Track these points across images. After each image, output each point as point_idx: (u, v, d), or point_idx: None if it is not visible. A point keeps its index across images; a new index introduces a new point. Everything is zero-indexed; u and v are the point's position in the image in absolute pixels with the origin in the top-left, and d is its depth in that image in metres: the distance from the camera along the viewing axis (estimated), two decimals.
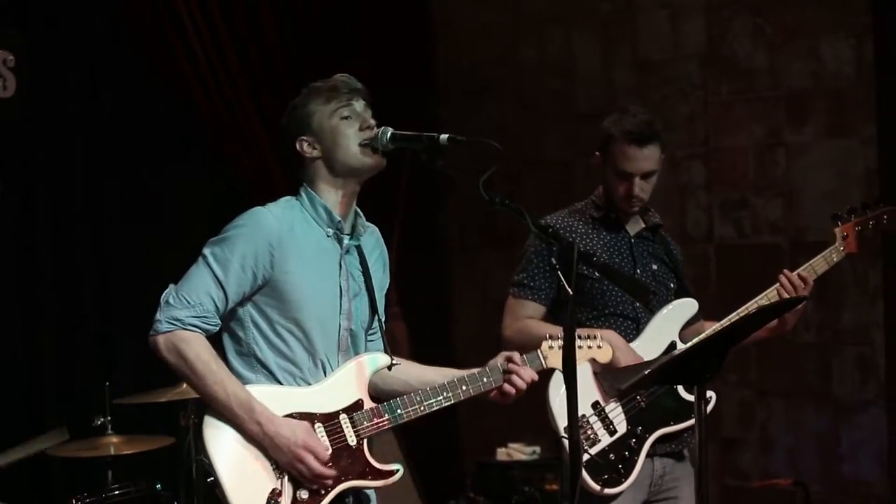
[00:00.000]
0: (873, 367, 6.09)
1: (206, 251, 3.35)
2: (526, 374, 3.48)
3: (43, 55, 5.49)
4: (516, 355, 3.51)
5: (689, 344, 4.03)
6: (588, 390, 3.99)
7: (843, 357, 6.18)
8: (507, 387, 3.48)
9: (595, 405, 4.02)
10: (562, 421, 3.93)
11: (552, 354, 3.54)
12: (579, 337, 3.54)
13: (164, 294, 3.32)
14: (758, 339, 4.10)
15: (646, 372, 3.55)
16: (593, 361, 3.94)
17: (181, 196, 5.96)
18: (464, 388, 3.45)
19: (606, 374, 3.97)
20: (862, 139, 6.09)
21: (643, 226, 4.27)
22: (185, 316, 3.28)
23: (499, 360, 3.51)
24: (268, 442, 3.29)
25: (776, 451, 6.33)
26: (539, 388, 4.00)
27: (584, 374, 3.96)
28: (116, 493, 4.67)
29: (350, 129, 3.42)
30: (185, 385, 4.77)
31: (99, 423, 4.79)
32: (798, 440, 6.28)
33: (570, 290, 3.15)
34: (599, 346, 3.65)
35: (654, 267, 4.24)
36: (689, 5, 6.53)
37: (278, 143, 5.90)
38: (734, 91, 6.43)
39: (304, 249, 3.38)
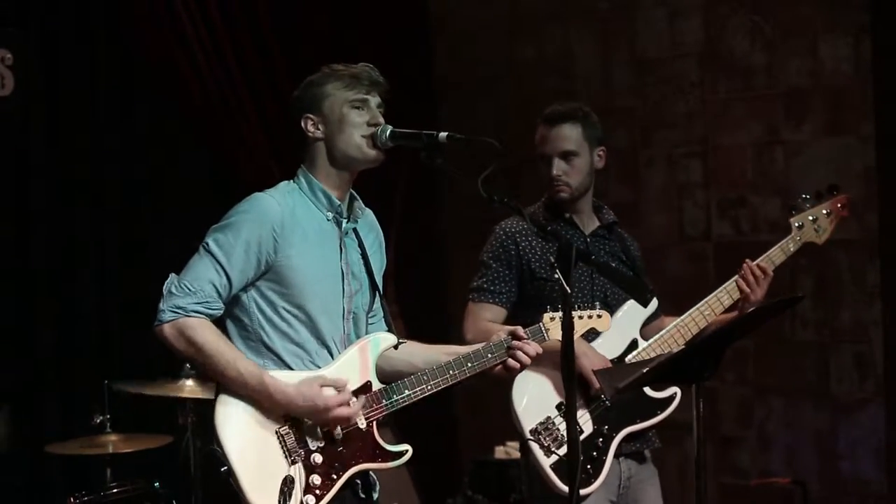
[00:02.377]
0: (871, 365, 6.09)
1: (209, 239, 3.36)
2: (530, 349, 3.50)
3: (41, 53, 5.49)
4: (520, 330, 3.52)
5: (670, 338, 4.07)
6: (551, 392, 4.00)
7: (841, 355, 6.17)
8: (511, 362, 3.50)
9: (559, 406, 4.01)
10: (527, 423, 3.98)
11: (554, 326, 3.53)
12: (577, 308, 3.56)
13: (166, 283, 3.33)
14: None
15: (643, 371, 3.54)
16: (585, 357, 3.95)
17: (181, 196, 5.95)
18: (469, 364, 3.48)
19: (602, 373, 3.96)
20: (860, 137, 6.08)
21: (598, 224, 4.25)
22: (187, 303, 3.29)
23: (502, 335, 3.52)
24: (289, 411, 3.30)
25: (774, 449, 6.33)
26: None
27: (548, 376, 3.98)
28: (115, 491, 4.67)
29: (359, 118, 3.43)
30: (181, 384, 4.79)
31: (98, 420, 4.79)
32: (796, 438, 6.28)
33: (567, 287, 3.16)
34: (599, 316, 3.64)
35: (612, 265, 4.20)
36: (687, 4, 6.53)
37: (278, 144, 6.01)
38: (732, 89, 6.42)
39: (307, 234, 3.39)
